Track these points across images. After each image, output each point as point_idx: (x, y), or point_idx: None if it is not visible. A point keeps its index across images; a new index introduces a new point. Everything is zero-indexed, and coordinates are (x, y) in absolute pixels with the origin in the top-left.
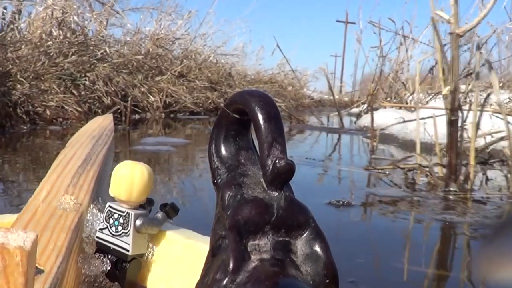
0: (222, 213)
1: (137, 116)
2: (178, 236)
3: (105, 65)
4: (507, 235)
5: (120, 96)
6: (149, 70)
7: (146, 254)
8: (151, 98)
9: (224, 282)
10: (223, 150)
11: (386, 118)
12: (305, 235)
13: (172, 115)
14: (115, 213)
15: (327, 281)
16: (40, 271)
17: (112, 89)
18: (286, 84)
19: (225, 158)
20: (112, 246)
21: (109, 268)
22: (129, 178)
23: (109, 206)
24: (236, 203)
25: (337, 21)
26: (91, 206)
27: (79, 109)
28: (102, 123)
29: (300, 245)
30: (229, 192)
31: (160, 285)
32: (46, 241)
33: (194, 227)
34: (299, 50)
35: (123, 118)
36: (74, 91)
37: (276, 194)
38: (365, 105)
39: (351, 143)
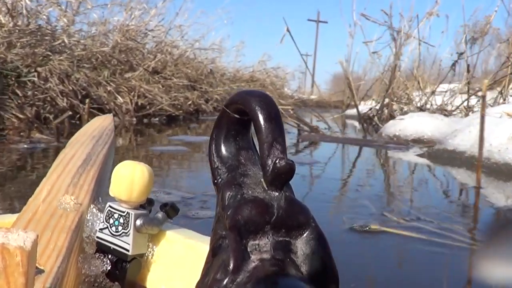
0: (222, 213)
1: None
2: (178, 236)
3: (62, 58)
4: (507, 236)
5: (80, 97)
6: (117, 65)
7: (146, 254)
8: (120, 99)
9: (225, 282)
10: (223, 150)
11: (422, 125)
12: (305, 235)
13: (145, 120)
14: (115, 213)
15: (328, 281)
16: (40, 271)
17: (70, 88)
18: (268, 83)
19: (225, 158)
20: (112, 246)
21: (109, 268)
22: (130, 178)
23: (109, 206)
24: (236, 203)
25: (309, 20)
26: (92, 206)
27: (21, 116)
28: (103, 123)
29: (301, 245)
30: (229, 192)
31: (160, 285)
32: (47, 241)
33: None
34: (279, 48)
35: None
36: (18, 91)
37: (276, 194)
38: (378, 108)
39: (419, 170)
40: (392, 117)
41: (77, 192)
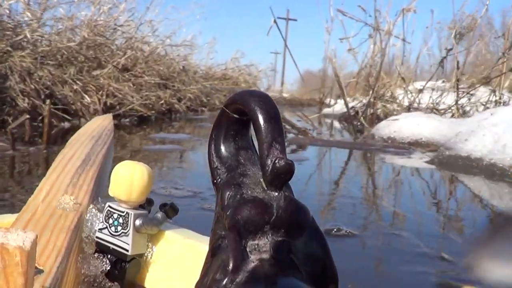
0: (221, 213)
1: (66, 124)
2: (178, 236)
3: (24, 54)
4: (506, 235)
5: (43, 97)
6: (84, 62)
7: (146, 254)
8: (87, 99)
9: (224, 282)
10: (222, 150)
11: (419, 126)
12: (304, 235)
13: (115, 121)
14: (114, 213)
15: (327, 281)
16: (39, 271)
17: (32, 86)
18: (241, 81)
19: (225, 158)
20: (112, 246)
21: (108, 268)
22: (129, 178)
23: (109, 206)
24: (235, 203)
25: (278, 17)
26: (91, 206)
27: None
28: (102, 123)
29: (300, 245)
30: (228, 192)
31: (159, 285)
32: (46, 241)
33: None
34: (249, 46)
35: (45, 128)
36: None
37: (276, 194)
38: (362, 107)
39: (437, 184)
40: (377, 117)
41: (77, 192)
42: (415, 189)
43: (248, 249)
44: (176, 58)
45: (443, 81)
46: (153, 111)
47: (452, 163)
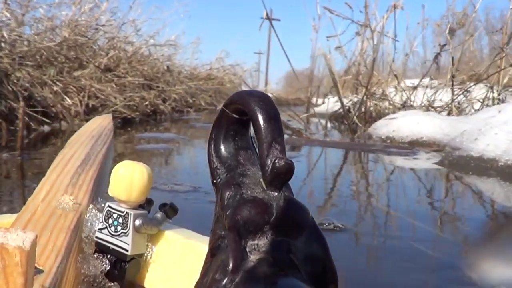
0: (221, 213)
1: (46, 128)
2: (178, 236)
3: (1, 54)
4: (507, 235)
5: (21, 99)
6: (65, 62)
7: (146, 254)
8: (68, 101)
9: (224, 282)
10: (222, 150)
11: (419, 125)
12: (304, 235)
13: None
14: (114, 213)
15: (327, 281)
16: (39, 271)
17: (10, 88)
18: (226, 81)
19: (224, 158)
20: (111, 246)
21: (108, 268)
22: (129, 178)
23: (108, 206)
24: (235, 203)
25: (262, 18)
26: (91, 206)
27: None
28: (102, 122)
29: (300, 245)
30: (228, 192)
31: (159, 285)
32: (46, 241)
33: None
34: (233, 45)
35: (20, 133)
36: None
37: (276, 194)
38: (355, 105)
39: (454, 190)
40: (370, 115)
41: (76, 192)
42: (430, 195)
43: (247, 249)
44: (160, 58)
45: (431, 78)
46: (137, 113)
47: (463, 165)
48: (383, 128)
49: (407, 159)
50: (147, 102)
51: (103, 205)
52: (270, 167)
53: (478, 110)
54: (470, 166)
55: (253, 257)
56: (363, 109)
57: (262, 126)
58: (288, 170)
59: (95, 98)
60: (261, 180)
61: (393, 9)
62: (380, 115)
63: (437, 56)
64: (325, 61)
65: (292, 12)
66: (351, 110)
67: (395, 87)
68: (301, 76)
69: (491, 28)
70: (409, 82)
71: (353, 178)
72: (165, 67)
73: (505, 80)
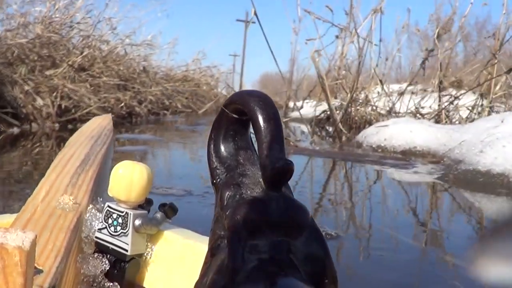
0: (221, 213)
1: (15, 130)
2: (177, 236)
3: None
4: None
5: None
6: (37, 60)
7: (145, 254)
8: (39, 101)
9: (223, 282)
10: (222, 150)
11: (412, 133)
12: (304, 235)
13: (70, 126)
14: (114, 213)
15: (326, 281)
16: (39, 271)
17: None
18: (202, 83)
19: (224, 158)
20: (111, 246)
21: (108, 268)
22: (128, 178)
23: (108, 206)
24: (235, 203)
25: (237, 20)
26: (90, 206)
27: None
28: (101, 122)
29: (299, 245)
30: (228, 192)
31: (159, 285)
32: (45, 241)
33: None
34: (210, 46)
35: None
36: None
37: (275, 194)
38: (341, 111)
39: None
40: (355, 122)
41: (76, 192)
42: (434, 216)
43: (247, 249)
44: (136, 58)
45: (415, 84)
46: (112, 115)
47: (470, 180)
48: (374, 136)
49: (406, 172)
50: (122, 104)
51: (102, 205)
52: (270, 167)
53: (468, 118)
54: (478, 182)
55: (252, 257)
56: (347, 115)
57: (262, 126)
58: (287, 170)
59: (68, 99)
60: (261, 180)
61: (374, 13)
62: (365, 121)
63: (424, 62)
64: (313, 64)
65: (268, 14)
66: (335, 115)
67: (378, 93)
68: (278, 79)
69: (467, 35)
70: (389, 88)
71: (349, 193)
72: (142, 68)
73: (497, 88)
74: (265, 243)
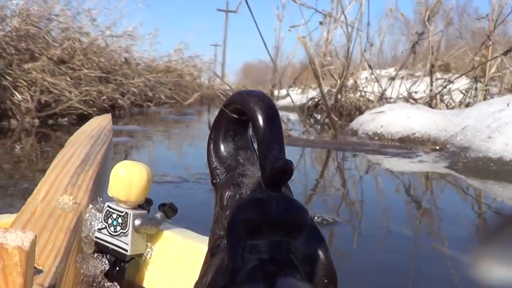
0: (220, 213)
1: None
2: (177, 236)
3: None
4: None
5: None
6: (15, 54)
7: (145, 254)
8: (18, 96)
9: (223, 282)
10: (221, 150)
11: (409, 119)
12: (304, 235)
13: (51, 121)
14: (113, 213)
15: (326, 281)
16: (38, 271)
17: None
18: (185, 73)
19: (224, 158)
20: (111, 246)
21: (107, 268)
22: (128, 178)
23: (108, 206)
24: (235, 203)
25: (218, 9)
26: (90, 206)
27: None
28: (101, 122)
29: (299, 245)
30: (227, 192)
31: (158, 285)
32: (45, 241)
33: None
34: (191, 37)
35: None
36: None
37: (275, 194)
38: (332, 98)
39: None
40: (345, 108)
41: (76, 192)
42: (452, 214)
43: (247, 249)
44: (117, 50)
45: (395, 69)
46: (94, 108)
47: (481, 169)
48: (369, 123)
49: (411, 161)
50: (104, 97)
51: (102, 205)
52: (270, 167)
53: (462, 102)
54: (490, 170)
55: (252, 257)
56: (337, 102)
57: (262, 126)
58: (287, 170)
59: (48, 93)
60: (261, 180)
61: None
62: (355, 108)
63: (414, 45)
64: (304, 49)
65: (250, 3)
66: (328, 103)
67: (366, 78)
68: (260, 68)
69: (450, 19)
70: (375, 73)
71: (356, 188)
72: (123, 59)
73: (492, 70)
74: (265, 243)
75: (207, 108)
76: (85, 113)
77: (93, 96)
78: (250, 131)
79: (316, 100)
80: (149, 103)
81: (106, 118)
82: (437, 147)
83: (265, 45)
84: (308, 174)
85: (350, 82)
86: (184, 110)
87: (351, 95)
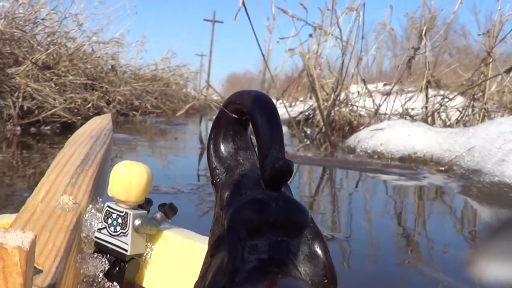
0: (220, 213)
1: None
2: (177, 236)
3: None
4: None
5: None
6: None
7: (145, 254)
8: (0, 102)
9: (223, 282)
10: (221, 150)
11: (410, 138)
12: (303, 235)
13: (33, 129)
14: (113, 213)
15: (326, 281)
16: (38, 271)
17: None
18: (172, 82)
19: (224, 158)
20: (111, 246)
21: (107, 268)
22: (128, 178)
23: (108, 206)
24: (234, 203)
25: (205, 19)
26: (90, 206)
27: None
28: (101, 123)
29: (299, 245)
30: (227, 192)
31: (158, 285)
32: (45, 241)
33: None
34: (178, 46)
35: None
36: None
37: (275, 194)
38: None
39: None
40: (336, 123)
41: (75, 192)
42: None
43: (247, 249)
44: (104, 57)
45: (384, 84)
46: (78, 117)
47: (498, 195)
48: (368, 140)
49: (419, 183)
50: (89, 105)
51: (102, 205)
52: (270, 167)
53: (460, 120)
54: (509, 197)
55: (252, 257)
56: (330, 117)
57: (261, 126)
58: (287, 170)
59: (31, 99)
60: (261, 180)
61: (348, 11)
62: (348, 123)
63: (410, 60)
64: (303, 61)
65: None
66: (324, 117)
67: (358, 92)
68: (246, 79)
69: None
70: (365, 88)
71: (366, 212)
72: (110, 66)
73: (492, 88)
74: (264, 243)
75: (194, 120)
76: (69, 121)
77: (77, 103)
78: (250, 131)
79: (306, 114)
80: (135, 112)
81: (106, 118)
82: (443, 168)
83: (262, 54)
84: (315, 195)
85: (341, 96)
86: (173, 121)
87: (344, 109)
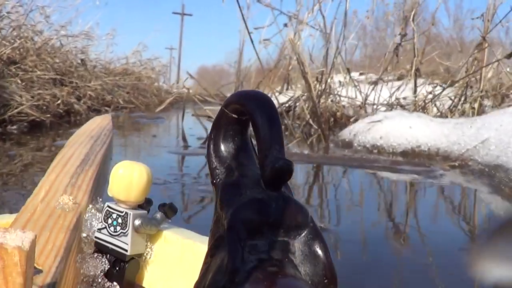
0: (220, 213)
1: None
2: (177, 236)
3: None
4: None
5: None
6: None
7: (145, 254)
8: None
9: (223, 283)
10: (221, 150)
11: (412, 130)
12: (303, 235)
13: None
14: (113, 213)
15: (326, 281)
16: (38, 271)
17: None
18: (144, 76)
19: (224, 158)
20: (111, 246)
21: (107, 268)
22: (128, 178)
23: (108, 206)
24: (234, 203)
25: (173, 12)
26: (90, 206)
27: None
28: (101, 123)
29: (299, 245)
30: (227, 192)
31: (158, 285)
32: (45, 241)
33: None
34: (149, 39)
35: None
36: None
37: (275, 194)
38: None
39: None
40: (322, 115)
41: (76, 192)
42: None
43: (247, 249)
44: (73, 51)
45: (361, 73)
46: (48, 115)
47: None
48: (366, 134)
49: (440, 183)
50: (59, 101)
51: (102, 205)
52: (270, 167)
53: (453, 109)
54: None
55: (252, 257)
56: (317, 109)
57: (261, 126)
58: (287, 170)
59: None
60: (261, 180)
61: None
62: (333, 114)
63: (397, 47)
64: (293, 49)
65: (205, 7)
66: (317, 109)
67: (340, 82)
68: (215, 72)
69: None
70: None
71: (390, 221)
72: (79, 60)
73: (489, 75)
74: (264, 243)
75: (169, 114)
76: (38, 120)
77: (46, 100)
78: (250, 131)
79: (287, 105)
80: (107, 108)
81: (106, 118)
82: (456, 164)
83: (252, 42)
84: (321, 204)
85: (323, 87)
86: (148, 116)
87: (329, 101)
